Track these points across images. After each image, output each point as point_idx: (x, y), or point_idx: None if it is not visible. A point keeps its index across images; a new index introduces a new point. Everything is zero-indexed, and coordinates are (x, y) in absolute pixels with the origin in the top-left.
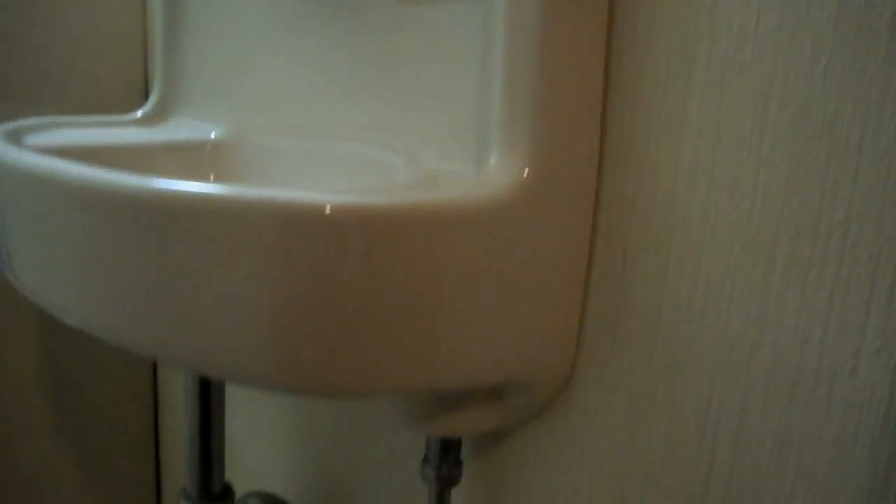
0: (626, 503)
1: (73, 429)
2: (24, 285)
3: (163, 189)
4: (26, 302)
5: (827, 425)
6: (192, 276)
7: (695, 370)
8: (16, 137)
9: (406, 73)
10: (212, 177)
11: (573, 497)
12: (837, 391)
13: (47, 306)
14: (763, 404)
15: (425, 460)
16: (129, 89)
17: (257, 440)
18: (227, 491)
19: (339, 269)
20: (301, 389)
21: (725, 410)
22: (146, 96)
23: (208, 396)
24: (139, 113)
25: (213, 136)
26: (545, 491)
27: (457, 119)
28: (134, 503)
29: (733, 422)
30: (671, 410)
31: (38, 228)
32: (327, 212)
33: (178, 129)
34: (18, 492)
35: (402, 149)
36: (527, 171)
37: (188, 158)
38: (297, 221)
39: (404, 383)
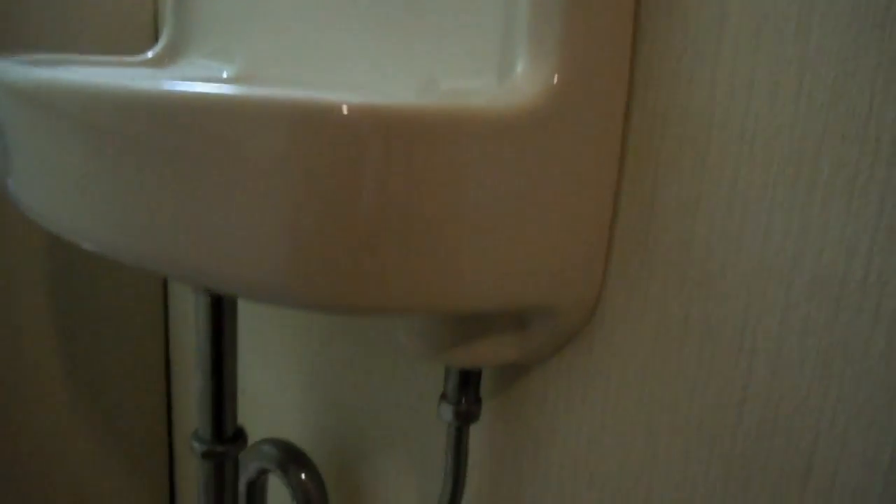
0: (655, 435)
1: (83, 370)
2: (26, 203)
3: (171, 90)
4: (32, 225)
5: (873, 341)
6: (204, 183)
7: (731, 291)
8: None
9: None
10: None
11: (599, 432)
12: (886, 304)
13: (51, 224)
14: (804, 322)
15: (443, 397)
16: (139, 31)
17: (270, 390)
18: (240, 434)
19: (357, 174)
20: (317, 304)
21: (763, 331)
22: (156, 39)
23: (220, 334)
24: (150, 54)
25: (224, 75)
26: (569, 426)
27: (480, 46)
28: (145, 449)
29: (771, 342)
30: (704, 335)
31: (40, 141)
32: (344, 112)
33: (189, 69)
34: (25, 427)
35: (423, 74)
36: (556, 77)
37: None
38: (312, 122)
39: (424, 302)
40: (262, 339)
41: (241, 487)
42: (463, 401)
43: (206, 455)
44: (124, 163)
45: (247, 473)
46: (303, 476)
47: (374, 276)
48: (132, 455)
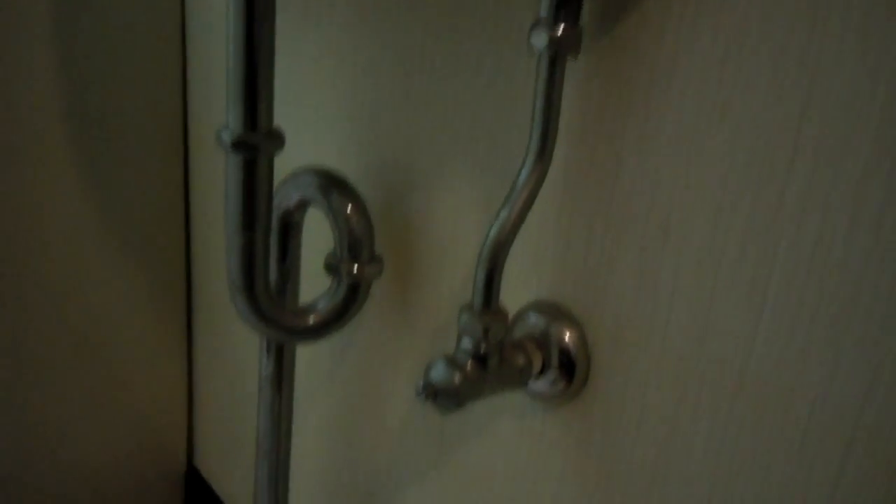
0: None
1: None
2: None
3: None
4: None
5: None
6: None
7: None
8: None
9: None
10: None
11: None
12: None
13: None
14: None
15: (536, 25)
16: None
17: (309, 122)
18: (277, 135)
19: None
20: None
21: None
22: None
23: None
24: None
25: None
26: (686, 84)
27: None
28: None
29: None
30: None
31: None
32: None
33: None
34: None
35: None
36: None
37: None
38: None
39: None
40: (299, 62)
41: (275, 222)
42: (558, 26)
43: (236, 146)
44: None
45: (282, 205)
46: (348, 208)
47: None
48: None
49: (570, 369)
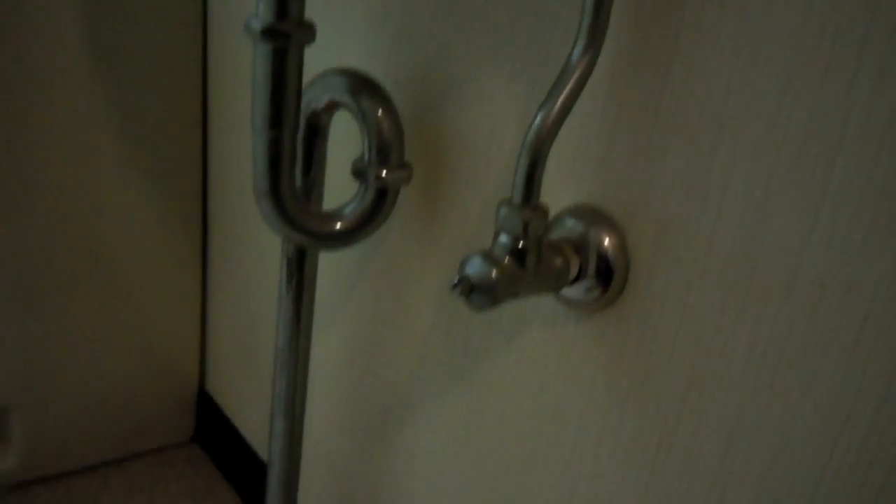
0: None
1: None
2: None
3: None
4: None
5: None
6: None
7: None
8: None
9: None
10: None
11: None
12: None
13: None
14: None
15: None
16: None
17: (339, 19)
18: (308, 25)
19: None
20: None
21: None
22: None
23: None
24: None
25: None
26: None
27: None
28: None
29: None
30: None
31: None
32: None
33: None
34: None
35: None
36: None
37: None
38: None
39: None
40: None
41: (302, 123)
42: None
43: (266, 34)
44: None
45: (310, 106)
46: (378, 112)
47: None
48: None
49: (608, 276)
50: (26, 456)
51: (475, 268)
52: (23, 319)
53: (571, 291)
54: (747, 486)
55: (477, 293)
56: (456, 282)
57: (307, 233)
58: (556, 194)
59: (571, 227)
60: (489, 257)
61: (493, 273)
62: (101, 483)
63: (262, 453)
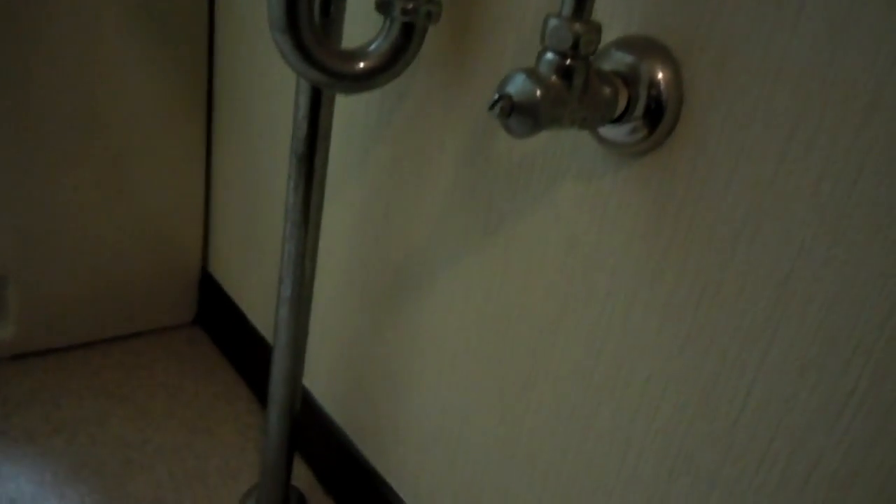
0: None
1: None
2: None
3: None
4: None
5: None
6: None
7: None
8: None
9: None
10: None
11: None
12: None
13: None
14: None
15: None
16: None
17: None
18: None
19: None
20: None
21: None
22: None
23: None
24: None
25: None
26: None
27: None
28: None
29: None
30: None
31: None
32: None
33: None
34: None
35: None
36: None
37: None
38: None
39: None
40: None
41: None
42: None
43: None
44: None
45: None
46: None
47: None
48: None
49: (658, 113)
50: (25, 327)
51: (518, 85)
52: (23, 184)
53: (615, 132)
54: (800, 335)
55: (518, 113)
56: (496, 98)
57: (327, 71)
58: (606, 23)
59: (620, 58)
60: (533, 74)
61: (538, 92)
62: (101, 357)
63: (266, 334)
